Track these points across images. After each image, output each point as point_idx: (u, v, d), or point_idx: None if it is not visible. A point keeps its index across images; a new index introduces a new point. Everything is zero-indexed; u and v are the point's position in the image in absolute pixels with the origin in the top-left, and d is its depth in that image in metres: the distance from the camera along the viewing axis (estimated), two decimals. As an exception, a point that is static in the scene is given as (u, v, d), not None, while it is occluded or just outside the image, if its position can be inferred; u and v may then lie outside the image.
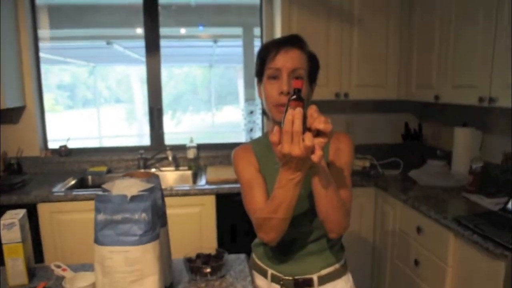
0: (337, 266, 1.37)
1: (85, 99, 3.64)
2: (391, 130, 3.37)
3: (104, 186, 1.10)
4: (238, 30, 3.51)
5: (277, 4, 2.89)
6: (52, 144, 3.18)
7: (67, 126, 3.28)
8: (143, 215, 1.05)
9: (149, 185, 1.10)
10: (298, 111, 0.91)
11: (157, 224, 1.11)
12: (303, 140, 0.92)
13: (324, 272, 1.34)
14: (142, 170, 2.72)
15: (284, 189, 1.04)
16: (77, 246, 2.46)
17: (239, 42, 3.47)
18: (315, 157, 0.93)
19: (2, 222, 1.29)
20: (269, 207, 1.11)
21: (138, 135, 3.87)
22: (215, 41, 3.64)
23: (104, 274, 1.07)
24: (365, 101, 3.24)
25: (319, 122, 0.92)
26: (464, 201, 2.18)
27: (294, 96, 0.94)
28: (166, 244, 1.24)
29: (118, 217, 1.04)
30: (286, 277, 1.33)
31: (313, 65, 1.25)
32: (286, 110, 0.93)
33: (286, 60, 1.18)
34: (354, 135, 3.29)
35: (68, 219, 2.47)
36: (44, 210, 2.43)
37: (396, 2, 2.83)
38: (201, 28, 3.42)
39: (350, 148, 1.29)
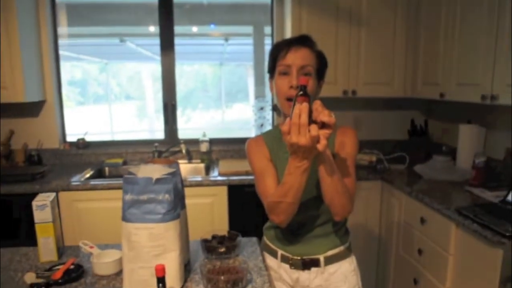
0: (342, 248, 1.47)
1: (96, 96, 3.74)
2: (398, 126, 3.46)
3: (130, 170, 1.21)
4: (249, 29, 3.61)
5: (287, 4, 2.99)
6: (69, 138, 3.33)
7: (80, 121, 3.41)
8: (166, 196, 1.16)
9: (171, 170, 1.22)
10: (305, 105, 1.03)
11: (178, 205, 1.22)
12: (309, 131, 1.03)
13: (330, 253, 1.44)
14: (169, 158, 2.86)
15: (292, 175, 1.15)
16: (96, 232, 2.59)
17: (250, 41, 3.57)
18: (320, 146, 1.05)
19: (34, 203, 1.41)
20: (279, 191, 1.22)
21: (149, 131, 3.98)
22: (226, 39, 3.72)
23: (130, 249, 1.18)
24: (372, 98, 3.33)
25: (323, 115, 1.05)
26: (467, 194, 2.26)
27: (301, 92, 1.05)
28: (185, 224, 1.35)
29: (144, 197, 1.16)
30: (295, 257, 1.44)
31: (321, 63, 1.35)
32: (294, 105, 1.05)
33: (296, 58, 1.29)
34: (361, 131, 3.39)
35: (87, 207, 2.60)
36: (64, 198, 2.56)
37: (403, 2, 2.92)
38: (212, 26, 3.52)
39: (354, 140, 1.38)
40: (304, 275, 1.44)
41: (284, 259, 1.46)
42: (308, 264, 1.43)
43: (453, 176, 2.54)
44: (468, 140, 2.64)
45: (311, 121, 1.04)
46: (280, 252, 1.47)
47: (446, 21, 2.52)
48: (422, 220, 2.27)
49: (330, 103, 3.25)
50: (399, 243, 2.58)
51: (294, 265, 1.44)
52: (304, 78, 1.11)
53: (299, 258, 1.43)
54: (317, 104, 1.06)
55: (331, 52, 2.91)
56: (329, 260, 1.44)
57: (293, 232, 1.44)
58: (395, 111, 3.46)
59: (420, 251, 2.29)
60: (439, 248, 2.10)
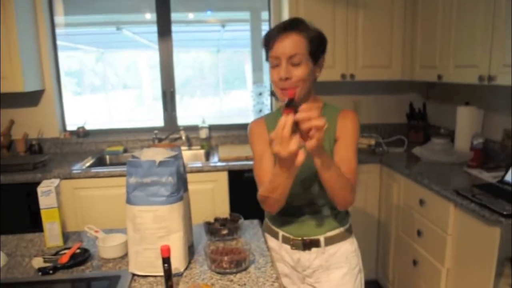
0: (342, 229, 1.49)
1: (93, 86, 3.74)
2: (396, 110, 3.47)
3: (133, 154, 1.23)
4: (246, 15, 3.59)
5: (284, -12, 2.98)
6: (68, 127, 3.34)
7: (78, 111, 3.41)
8: (170, 178, 1.18)
9: (173, 153, 1.23)
10: (289, 118, 1.05)
11: (181, 187, 1.24)
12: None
13: (329, 234, 1.46)
14: (168, 142, 2.87)
15: (278, 177, 1.21)
16: (98, 219, 2.61)
17: (247, 27, 3.56)
18: (297, 162, 1.09)
19: (39, 189, 1.43)
20: (268, 187, 1.27)
21: (147, 119, 3.98)
22: (223, 26, 3.71)
23: (135, 231, 1.21)
24: (371, 82, 3.34)
25: (314, 121, 1.03)
26: (465, 175, 2.29)
27: (288, 104, 1.09)
28: (187, 206, 1.37)
29: (148, 180, 1.18)
30: (296, 238, 1.46)
31: (314, 45, 1.32)
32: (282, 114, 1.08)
33: (283, 48, 1.28)
34: (360, 115, 3.40)
35: (88, 194, 2.63)
36: (66, 186, 2.58)
37: (401, -16, 2.91)
38: (209, 12, 3.50)
39: (355, 124, 1.39)
40: (305, 256, 1.47)
41: (285, 240, 1.48)
42: (308, 244, 1.46)
43: (451, 158, 2.56)
44: (466, 122, 2.66)
45: (296, 130, 1.06)
46: (281, 233, 1.49)
47: (444, 2, 2.52)
48: (421, 202, 2.30)
49: (328, 87, 3.30)
50: (399, 224, 2.62)
51: (295, 245, 1.47)
52: (291, 91, 1.23)
53: (299, 238, 1.46)
54: (304, 111, 1.04)
55: (329, 36, 2.81)
56: (329, 241, 1.46)
57: (294, 214, 1.46)
58: (393, 95, 3.47)
59: (419, 232, 2.33)
60: (438, 229, 2.14)
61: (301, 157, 1.08)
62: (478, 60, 2.20)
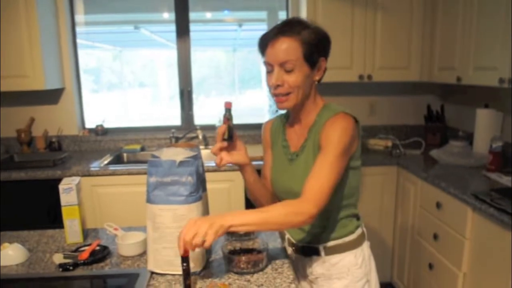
0: (345, 239, 1.39)
1: (110, 83, 3.79)
2: (414, 111, 3.44)
3: (153, 153, 1.25)
4: (263, 14, 3.60)
5: (303, -12, 2.98)
6: (87, 124, 3.39)
7: (96, 108, 3.46)
8: (189, 178, 1.20)
9: (193, 153, 1.25)
10: (222, 127, 1.32)
11: (200, 187, 1.25)
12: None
13: (330, 244, 1.38)
14: (184, 141, 2.91)
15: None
16: (115, 216, 2.65)
17: (264, 26, 3.56)
18: (217, 163, 1.36)
19: (61, 187, 1.46)
20: None
21: (164, 118, 4.02)
22: (240, 25, 3.72)
23: (154, 229, 1.22)
24: (388, 83, 3.31)
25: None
26: (483, 179, 2.26)
27: (225, 115, 1.33)
28: (206, 206, 1.39)
29: (168, 179, 1.19)
30: (297, 243, 1.44)
31: (310, 48, 1.24)
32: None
33: (274, 55, 1.23)
34: (377, 116, 3.40)
35: (106, 192, 2.67)
36: (85, 183, 2.62)
37: (420, -15, 2.89)
38: (226, 12, 3.52)
39: (338, 132, 1.23)
40: (306, 262, 1.44)
41: (290, 243, 1.47)
42: (307, 251, 1.42)
43: (469, 161, 2.54)
44: (485, 124, 2.63)
45: (231, 136, 1.33)
46: (287, 236, 1.48)
47: (464, 4, 2.49)
48: (438, 205, 2.28)
49: (345, 88, 3.30)
50: (415, 227, 2.60)
51: (296, 250, 1.45)
52: (229, 103, 1.34)
53: (300, 244, 1.43)
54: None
55: (347, 37, 2.90)
56: (330, 251, 1.39)
57: None
58: (411, 96, 3.44)
59: (435, 236, 2.31)
60: (455, 232, 2.12)
61: (218, 159, 1.35)
62: (499, 62, 2.17)
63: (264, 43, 1.26)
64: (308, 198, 1.17)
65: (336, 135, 1.22)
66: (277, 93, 1.27)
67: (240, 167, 1.41)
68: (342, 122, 1.25)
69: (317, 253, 1.40)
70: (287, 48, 1.22)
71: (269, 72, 1.28)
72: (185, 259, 1.09)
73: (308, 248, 1.41)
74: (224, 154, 1.34)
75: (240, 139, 1.39)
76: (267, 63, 1.27)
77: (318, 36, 1.26)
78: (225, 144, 1.33)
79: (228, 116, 1.32)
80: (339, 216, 1.37)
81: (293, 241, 1.45)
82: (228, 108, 1.33)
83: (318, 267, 1.41)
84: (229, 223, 1.09)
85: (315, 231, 1.39)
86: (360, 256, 1.41)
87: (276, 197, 1.47)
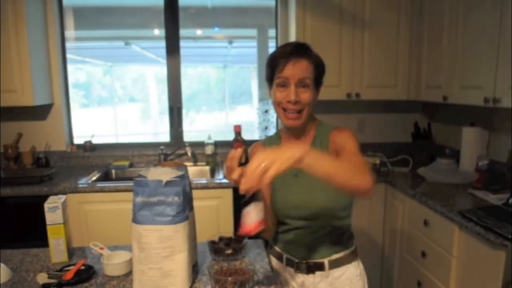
0: (346, 252, 1.47)
1: (100, 98, 3.78)
2: (401, 129, 3.48)
3: (140, 173, 1.24)
4: (253, 32, 3.64)
5: (291, 7, 3.02)
6: (75, 140, 3.37)
7: (85, 123, 3.45)
8: (176, 198, 1.19)
9: (180, 173, 1.25)
10: (238, 151, 1.19)
11: (187, 207, 1.25)
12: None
13: (334, 257, 1.44)
14: (174, 160, 2.90)
15: None
16: (103, 234, 2.62)
17: (254, 43, 3.60)
18: (241, 190, 1.08)
19: (46, 205, 1.45)
20: None
21: (154, 133, 4.01)
22: (230, 42, 3.76)
23: (140, 250, 1.21)
24: (376, 101, 3.35)
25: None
26: (470, 196, 2.28)
27: (237, 138, 1.28)
28: (193, 226, 1.38)
29: (154, 199, 1.19)
30: (299, 261, 1.45)
31: (318, 71, 1.37)
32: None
33: (294, 71, 1.31)
34: (365, 134, 3.42)
35: (94, 209, 2.64)
36: (72, 200, 2.59)
37: (407, 5, 2.94)
38: (216, 29, 3.55)
39: (352, 136, 1.36)
40: (309, 279, 1.45)
41: (289, 263, 1.48)
42: (312, 268, 1.44)
43: (456, 178, 2.56)
44: (471, 142, 2.66)
45: (246, 161, 1.19)
46: (285, 255, 1.49)
47: (449, 24, 2.54)
48: (426, 223, 2.29)
49: (334, 106, 3.32)
50: (403, 245, 2.61)
51: (299, 268, 1.46)
52: (238, 126, 1.29)
53: (303, 262, 1.45)
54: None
55: (335, 55, 2.94)
56: (334, 264, 1.44)
57: (298, 237, 1.45)
58: (398, 114, 3.48)
59: (423, 254, 2.32)
60: (443, 250, 2.13)
61: (241, 186, 1.05)
62: (484, 82, 2.21)
63: (282, 61, 1.32)
64: (362, 170, 1.15)
65: (349, 138, 1.35)
66: (292, 109, 1.33)
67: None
68: (346, 131, 1.40)
69: (321, 268, 1.44)
70: (306, 67, 1.33)
71: (283, 86, 1.33)
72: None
73: (313, 264, 1.44)
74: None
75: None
76: (282, 78, 1.33)
77: (321, 62, 1.40)
78: (244, 169, 1.23)
79: (241, 140, 1.29)
80: (342, 227, 1.45)
81: (295, 260, 1.46)
82: (237, 131, 1.31)
83: (322, 283, 1.44)
84: (301, 155, 0.99)
85: (322, 244, 1.44)
86: (359, 267, 1.51)
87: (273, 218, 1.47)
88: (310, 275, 1.45)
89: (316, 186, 1.36)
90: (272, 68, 1.35)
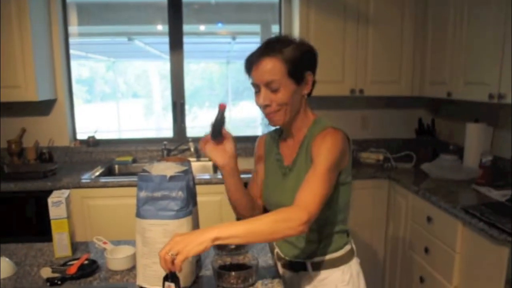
0: (333, 255, 1.39)
1: (103, 94, 3.78)
2: (405, 125, 3.47)
3: (144, 168, 1.24)
4: (256, 28, 3.63)
5: (295, 3, 3.01)
6: (78, 136, 3.37)
7: (88, 119, 3.45)
8: (179, 193, 1.20)
9: (183, 168, 1.25)
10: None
11: (191, 202, 1.25)
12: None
13: (317, 259, 1.38)
14: (177, 156, 2.90)
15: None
16: (106, 229, 2.62)
17: (257, 39, 3.59)
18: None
19: (50, 200, 1.45)
20: None
21: (157, 129, 4.01)
22: (233, 38, 3.75)
23: (144, 244, 1.22)
24: (380, 97, 3.34)
25: None
26: (474, 193, 2.28)
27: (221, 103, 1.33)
28: (196, 221, 1.38)
29: (158, 194, 1.19)
30: (285, 258, 1.44)
31: (293, 65, 1.24)
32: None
33: (259, 75, 1.26)
34: (369, 130, 3.42)
35: (97, 204, 2.65)
36: (75, 195, 2.59)
37: (411, 1, 2.93)
38: (220, 25, 3.54)
39: (328, 146, 1.23)
40: (294, 277, 1.43)
41: (279, 258, 1.47)
42: (295, 266, 1.42)
43: (460, 175, 2.56)
44: (475, 139, 2.65)
45: (215, 135, 1.34)
46: (276, 250, 1.48)
47: (454, 20, 2.53)
48: (429, 219, 2.29)
49: (337, 102, 3.32)
50: (406, 241, 2.60)
51: (284, 265, 1.45)
52: (222, 104, 1.31)
53: (287, 259, 1.43)
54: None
55: (339, 51, 2.93)
56: (318, 266, 1.39)
57: None
58: (402, 110, 3.47)
59: (426, 250, 2.31)
60: (446, 246, 2.12)
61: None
62: (488, 78, 2.20)
63: (249, 65, 1.29)
64: (299, 205, 1.14)
65: (326, 149, 1.22)
66: (267, 112, 1.30)
67: (222, 172, 1.41)
68: (331, 136, 1.25)
69: (304, 268, 1.40)
70: (271, 68, 1.23)
71: (257, 92, 1.30)
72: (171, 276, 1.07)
73: (295, 263, 1.41)
74: (208, 146, 1.35)
75: (231, 143, 1.37)
76: (253, 84, 1.30)
77: (301, 51, 1.27)
78: (209, 138, 1.34)
79: (217, 117, 1.31)
80: (328, 232, 1.37)
81: (282, 255, 1.45)
82: (220, 109, 1.31)
83: (306, 283, 1.41)
84: (215, 235, 1.05)
85: (302, 245, 1.38)
86: (348, 273, 1.40)
87: (258, 212, 1.50)
88: (295, 273, 1.42)
89: (297, 189, 1.25)
90: (247, 73, 1.32)
